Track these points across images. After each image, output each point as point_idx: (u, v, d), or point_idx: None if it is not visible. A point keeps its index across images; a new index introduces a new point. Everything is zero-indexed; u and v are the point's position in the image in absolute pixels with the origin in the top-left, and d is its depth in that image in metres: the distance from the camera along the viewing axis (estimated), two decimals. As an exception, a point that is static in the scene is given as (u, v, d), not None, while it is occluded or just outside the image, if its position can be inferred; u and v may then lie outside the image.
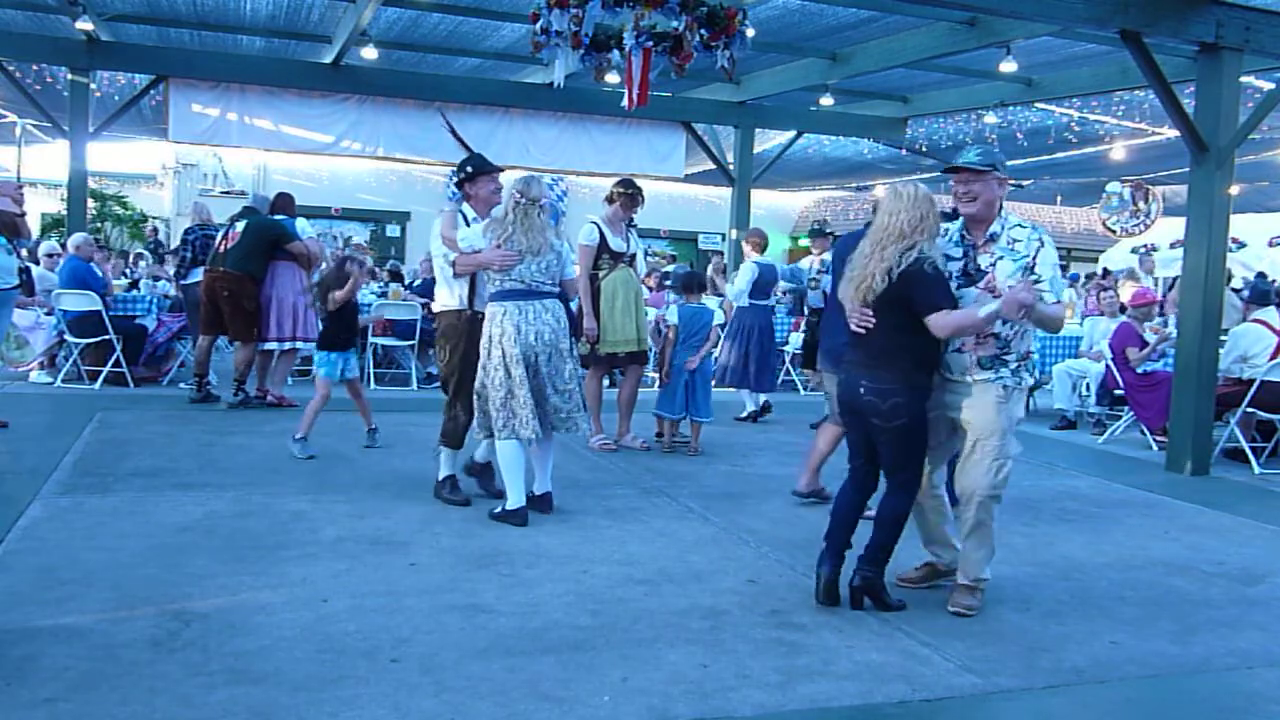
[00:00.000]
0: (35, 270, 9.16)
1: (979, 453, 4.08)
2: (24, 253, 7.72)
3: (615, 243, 7.19)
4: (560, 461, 6.80)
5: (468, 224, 5.44)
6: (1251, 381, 7.59)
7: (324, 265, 8.37)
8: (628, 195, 7.21)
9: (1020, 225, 4.13)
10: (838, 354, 4.91)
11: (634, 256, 7.34)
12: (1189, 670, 3.75)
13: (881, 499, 4.17)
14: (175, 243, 13.91)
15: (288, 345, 8.50)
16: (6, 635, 3.46)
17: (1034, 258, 4.03)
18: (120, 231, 20.04)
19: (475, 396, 5.26)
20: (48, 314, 9.36)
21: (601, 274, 7.14)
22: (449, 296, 5.55)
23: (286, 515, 5.15)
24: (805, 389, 11.31)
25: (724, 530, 5.29)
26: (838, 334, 4.89)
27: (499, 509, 5.20)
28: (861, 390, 4.04)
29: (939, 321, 3.90)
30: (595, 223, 7.24)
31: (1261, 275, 13.01)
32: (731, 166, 13.92)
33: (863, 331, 4.05)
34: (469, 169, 5.63)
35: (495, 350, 5.15)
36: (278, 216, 8.76)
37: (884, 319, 3.98)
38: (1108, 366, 8.65)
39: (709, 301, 8.59)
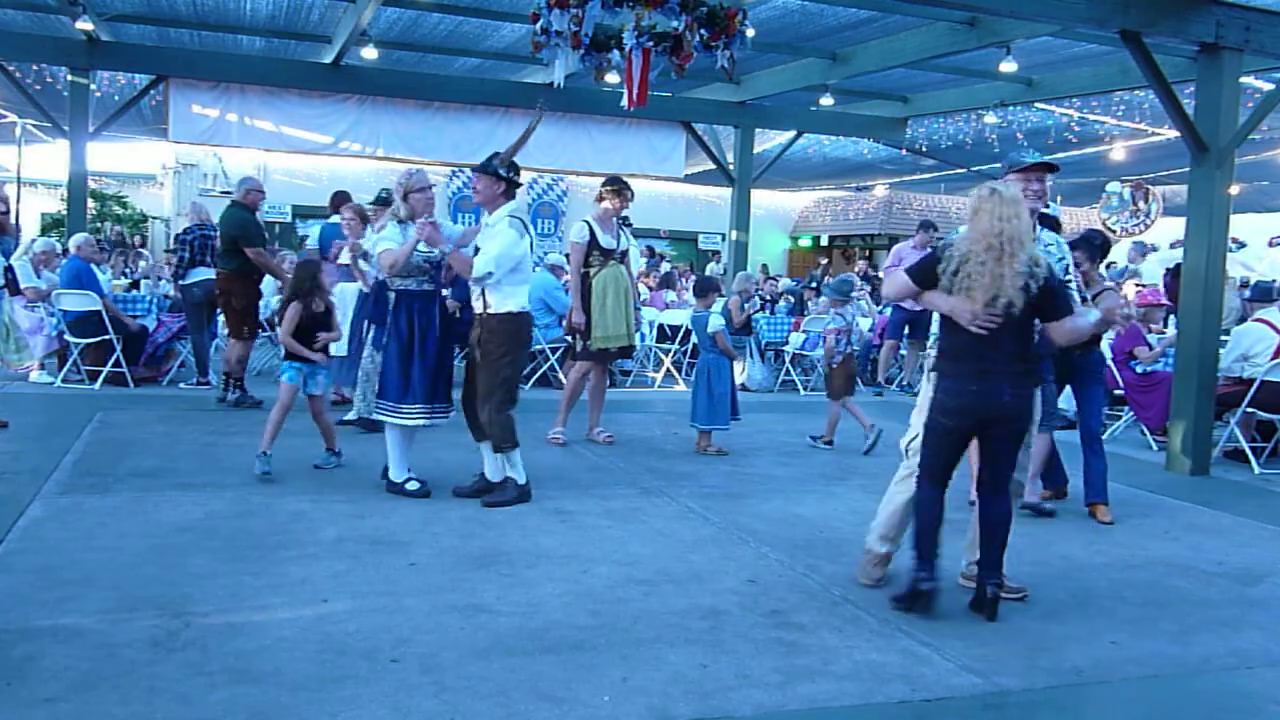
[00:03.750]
0: (19, 268, 9.12)
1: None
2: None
3: (605, 240, 7.34)
4: (560, 462, 6.85)
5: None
6: (1251, 381, 7.59)
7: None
8: (614, 191, 7.40)
9: (1047, 234, 4.55)
10: None
11: (625, 253, 7.50)
12: (1189, 670, 3.75)
13: (994, 503, 4.13)
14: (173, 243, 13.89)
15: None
16: (6, 635, 3.46)
17: (1069, 259, 4.46)
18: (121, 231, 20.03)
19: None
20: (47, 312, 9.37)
21: (592, 271, 7.29)
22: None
23: (286, 515, 5.15)
24: (803, 389, 11.30)
25: (724, 530, 5.29)
26: None
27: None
28: (1008, 398, 4.00)
29: (1063, 327, 4.03)
30: (587, 221, 7.39)
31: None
32: (731, 166, 13.92)
33: (992, 333, 3.95)
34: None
35: None
36: (330, 219, 8.69)
37: (1019, 326, 3.97)
38: (1108, 366, 8.65)
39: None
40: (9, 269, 7.84)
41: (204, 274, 9.07)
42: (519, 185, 5.76)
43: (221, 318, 9.64)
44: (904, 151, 16.20)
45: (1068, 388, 6.54)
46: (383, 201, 7.66)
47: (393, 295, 5.59)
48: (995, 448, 4.11)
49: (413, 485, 5.65)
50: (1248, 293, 9.43)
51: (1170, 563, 5.10)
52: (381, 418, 5.62)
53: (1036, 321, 4.07)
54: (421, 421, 5.59)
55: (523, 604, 4.01)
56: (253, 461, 5.92)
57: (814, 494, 6.24)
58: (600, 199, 7.47)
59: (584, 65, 6.89)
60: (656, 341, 11.81)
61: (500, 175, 5.63)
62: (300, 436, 7.19)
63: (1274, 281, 9.11)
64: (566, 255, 8.17)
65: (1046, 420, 5.78)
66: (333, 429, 6.48)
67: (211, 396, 8.70)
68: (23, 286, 9.10)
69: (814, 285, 16.34)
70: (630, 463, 6.91)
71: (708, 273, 18.75)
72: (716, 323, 7.42)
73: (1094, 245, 6.10)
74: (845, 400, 7.93)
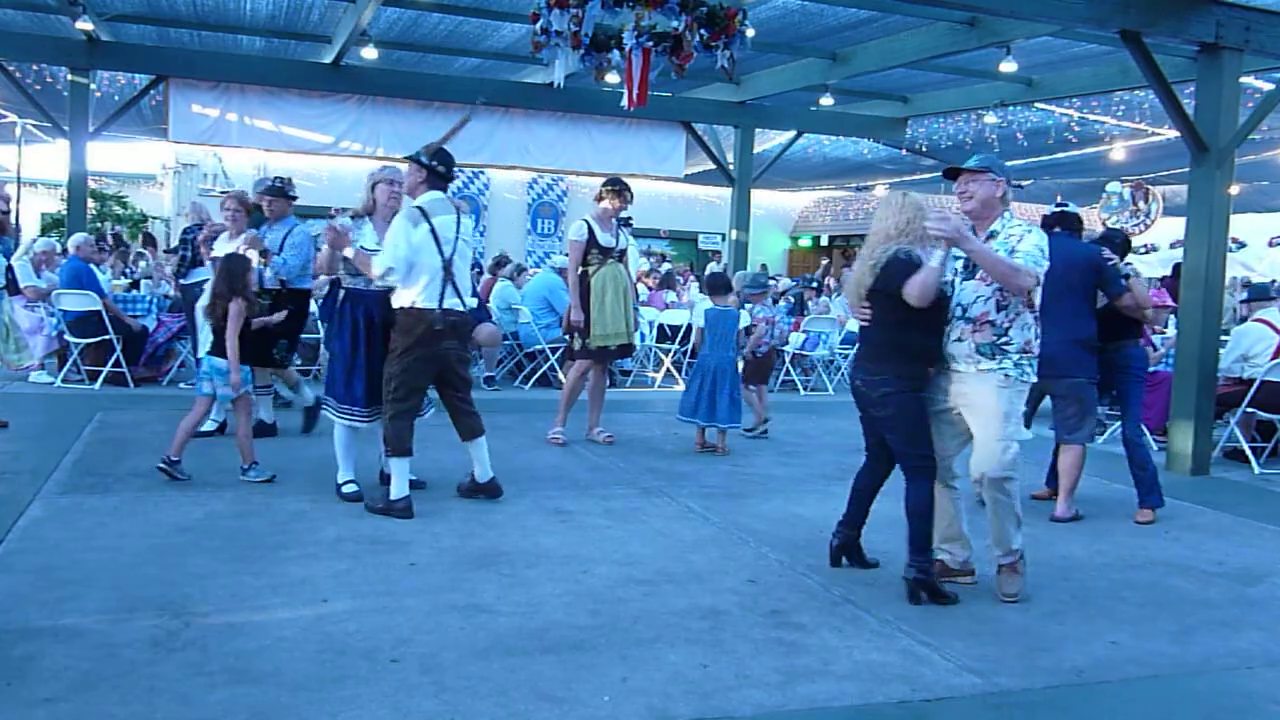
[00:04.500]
0: (19, 268, 9.13)
1: (983, 436, 4.29)
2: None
3: (604, 239, 7.36)
4: (560, 462, 6.85)
5: None
6: (1251, 381, 7.59)
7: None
8: (615, 191, 7.41)
9: (1019, 224, 4.37)
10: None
11: (624, 252, 7.52)
12: (1189, 670, 3.75)
13: (904, 491, 4.34)
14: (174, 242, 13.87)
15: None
16: (6, 635, 3.46)
17: (1019, 240, 4.26)
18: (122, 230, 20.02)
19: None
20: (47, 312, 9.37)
21: (591, 269, 7.30)
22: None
23: (286, 515, 5.15)
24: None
25: (724, 530, 5.29)
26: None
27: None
28: (859, 383, 4.43)
29: (909, 289, 4.14)
30: (586, 220, 7.42)
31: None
32: (731, 166, 13.93)
33: (866, 325, 4.40)
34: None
35: None
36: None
37: (878, 314, 4.32)
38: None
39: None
40: (9, 269, 7.84)
41: (205, 274, 9.06)
42: (444, 177, 5.43)
43: None
44: (904, 151, 16.20)
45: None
46: (275, 191, 7.18)
47: (342, 293, 5.51)
48: (881, 432, 4.43)
49: (349, 489, 5.52)
50: (1244, 294, 9.44)
51: (1170, 563, 5.10)
52: (328, 414, 5.56)
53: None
54: (360, 424, 5.48)
55: (523, 604, 4.01)
56: (263, 461, 5.87)
57: (814, 494, 6.24)
58: (600, 199, 7.48)
59: (584, 65, 6.89)
60: (656, 341, 11.81)
61: (420, 163, 5.40)
62: (301, 437, 7.21)
63: (1273, 282, 9.12)
64: (567, 254, 8.17)
65: (1078, 432, 5.87)
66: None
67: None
68: (22, 286, 9.11)
69: (814, 285, 16.33)
70: (630, 463, 6.91)
71: (709, 272, 18.73)
72: (746, 319, 7.62)
73: (1115, 244, 6.20)
74: (760, 388, 8.34)
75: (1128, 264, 6.17)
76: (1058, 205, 6.27)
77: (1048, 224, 6.12)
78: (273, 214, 7.22)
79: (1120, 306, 5.85)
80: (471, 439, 5.57)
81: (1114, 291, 5.81)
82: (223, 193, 7.32)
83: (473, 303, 5.51)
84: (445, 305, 5.27)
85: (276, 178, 7.40)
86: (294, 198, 7.36)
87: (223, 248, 6.85)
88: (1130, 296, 5.83)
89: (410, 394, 5.33)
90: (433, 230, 5.25)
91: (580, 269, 7.31)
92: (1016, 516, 4.38)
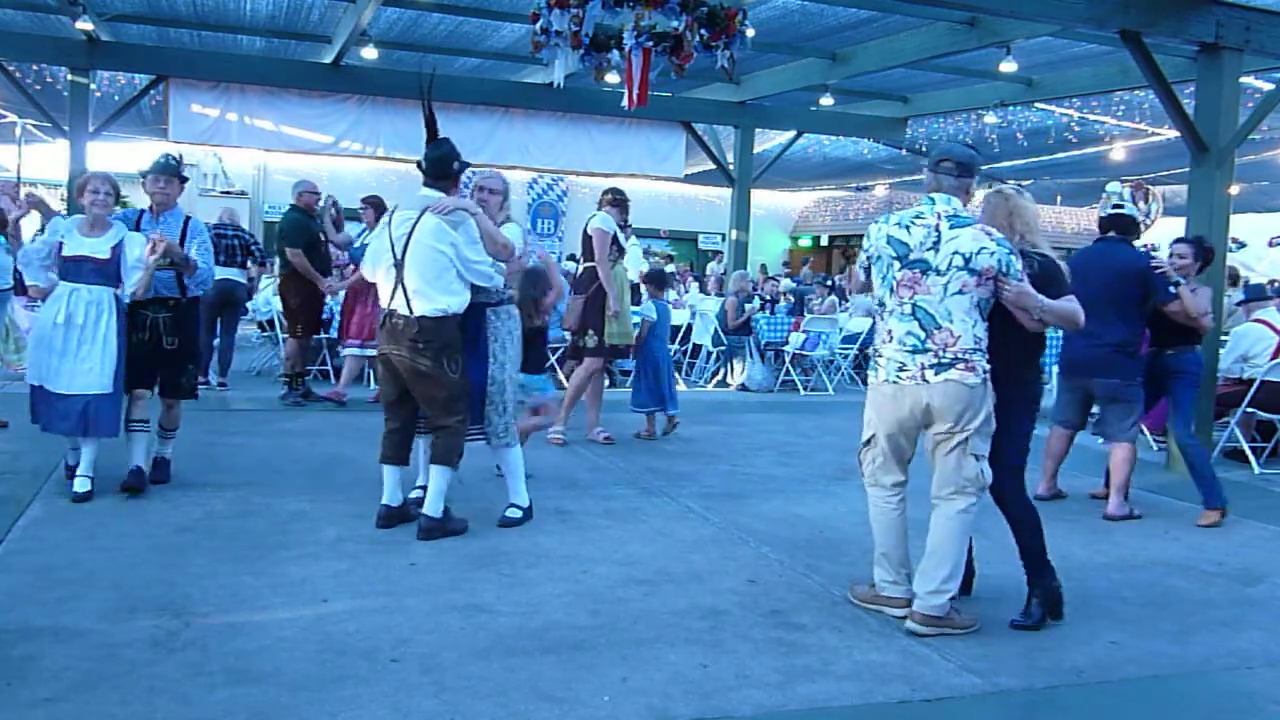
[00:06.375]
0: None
1: None
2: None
3: (621, 237, 7.43)
4: (560, 461, 6.84)
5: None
6: (1251, 381, 7.59)
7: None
8: (626, 203, 7.53)
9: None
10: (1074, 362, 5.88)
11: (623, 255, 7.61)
12: (1189, 670, 3.75)
13: None
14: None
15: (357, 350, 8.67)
16: (6, 635, 3.46)
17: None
18: None
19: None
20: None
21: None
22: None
23: (286, 515, 5.15)
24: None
25: (724, 530, 5.29)
26: (1073, 342, 5.77)
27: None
28: None
29: None
30: (609, 214, 7.44)
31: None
32: (731, 166, 13.92)
33: None
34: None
35: (511, 349, 5.19)
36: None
37: None
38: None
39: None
40: (16, 268, 7.86)
41: (218, 274, 9.10)
42: (426, 173, 5.30)
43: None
44: (904, 151, 16.21)
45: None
46: (170, 170, 5.65)
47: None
48: None
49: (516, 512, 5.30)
50: (1240, 295, 9.43)
51: (1170, 563, 5.10)
52: None
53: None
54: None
55: (523, 604, 4.01)
56: (263, 461, 5.86)
57: (814, 494, 6.24)
58: (611, 203, 7.47)
59: (584, 65, 6.90)
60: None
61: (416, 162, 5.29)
62: (301, 437, 7.21)
63: (1273, 283, 9.12)
64: (572, 256, 8.19)
65: (1121, 431, 5.96)
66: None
67: (212, 397, 8.69)
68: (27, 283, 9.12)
69: (829, 284, 16.47)
70: (630, 463, 6.91)
71: (708, 273, 18.83)
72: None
73: (1202, 248, 6.36)
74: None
75: (1186, 281, 6.05)
76: (1113, 207, 6.15)
77: (1101, 227, 6.11)
78: (163, 201, 5.56)
79: (1169, 314, 5.90)
80: (432, 462, 4.95)
81: (1161, 300, 5.84)
82: (95, 174, 5.44)
83: (429, 307, 4.82)
84: (391, 306, 4.92)
85: (167, 155, 5.84)
86: (186, 179, 5.97)
87: (79, 243, 5.32)
88: (1179, 304, 5.85)
89: (385, 401, 5.08)
90: (388, 227, 5.02)
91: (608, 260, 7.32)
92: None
